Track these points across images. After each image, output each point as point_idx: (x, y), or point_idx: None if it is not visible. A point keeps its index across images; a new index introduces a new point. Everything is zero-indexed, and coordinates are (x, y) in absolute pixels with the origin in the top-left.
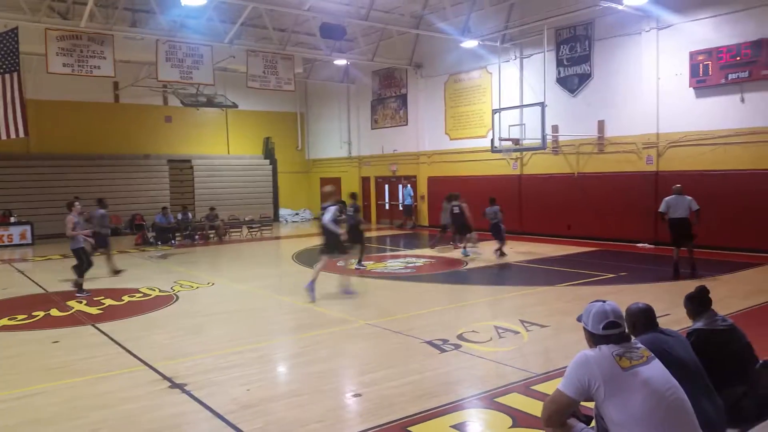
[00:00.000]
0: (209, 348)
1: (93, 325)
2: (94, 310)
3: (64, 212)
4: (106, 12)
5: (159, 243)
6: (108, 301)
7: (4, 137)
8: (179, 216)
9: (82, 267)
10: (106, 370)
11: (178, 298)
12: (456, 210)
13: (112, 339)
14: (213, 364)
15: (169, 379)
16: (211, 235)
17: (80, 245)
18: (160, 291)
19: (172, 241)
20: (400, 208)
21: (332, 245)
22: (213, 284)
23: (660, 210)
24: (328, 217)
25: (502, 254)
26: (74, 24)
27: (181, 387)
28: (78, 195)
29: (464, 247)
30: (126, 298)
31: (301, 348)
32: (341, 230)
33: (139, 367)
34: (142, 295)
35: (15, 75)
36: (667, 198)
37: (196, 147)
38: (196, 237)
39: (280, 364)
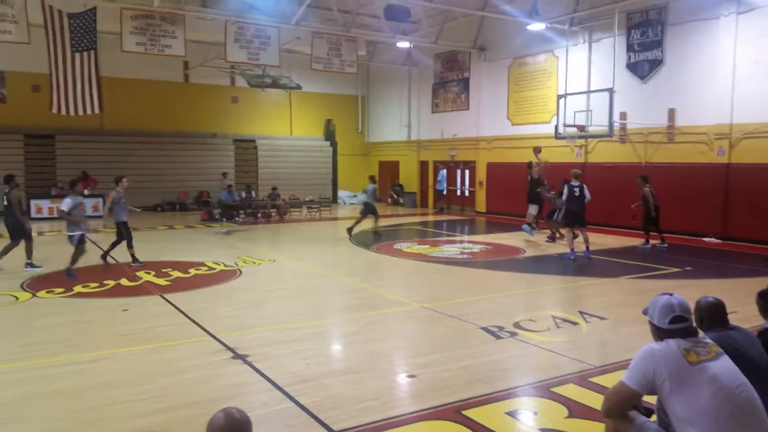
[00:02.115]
0: (270, 322)
1: (161, 296)
2: (162, 281)
3: (134, 187)
4: None
5: (224, 219)
6: (175, 273)
7: (81, 112)
8: (243, 194)
9: (119, 241)
10: (171, 338)
11: (241, 273)
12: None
13: (178, 309)
14: (273, 337)
15: (232, 350)
16: (273, 214)
17: (122, 219)
18: (224, 266)
19: (237, 218)
20: (439, 189)
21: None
22: (274, 261)
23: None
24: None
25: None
26: (148, 3)
27: (243, 358)
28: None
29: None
30: (192, 271)
31: (358, 327)
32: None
33: (203, 338)
34: (207, 268)
35: (93, 53)
36: None
37: (261, 127)
38: (259, 215)
39: (337, 341)
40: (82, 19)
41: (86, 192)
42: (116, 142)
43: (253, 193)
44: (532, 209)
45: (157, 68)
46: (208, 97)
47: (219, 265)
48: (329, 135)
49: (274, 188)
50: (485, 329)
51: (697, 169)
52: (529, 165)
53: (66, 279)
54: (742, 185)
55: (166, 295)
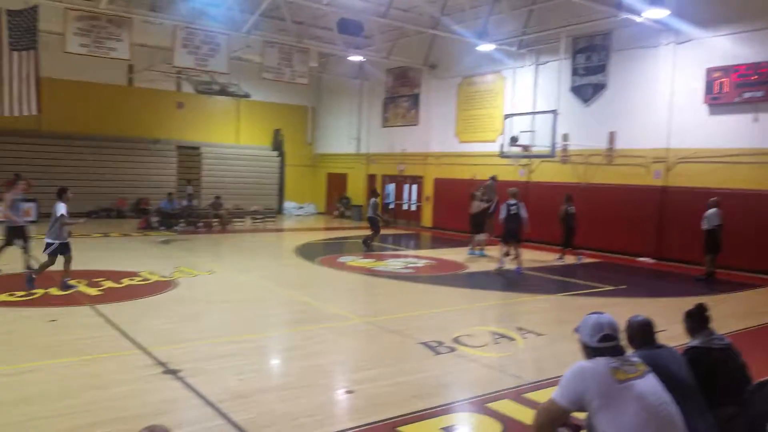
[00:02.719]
0: (205, 336)
1: (91, 306)
2: (93, 291)
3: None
4: None
5: (162, 228)
6: (108, 284)
7: (16, 113)
8: (184, 202)
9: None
10: (100, 351)
11: (178, 284)
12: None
13: (109, 321)
14: (208, 352)
15: (163, 365)
16: (215, 224)
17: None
18: (160, 276)
19: (176, 227)
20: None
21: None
22: (213, 272)
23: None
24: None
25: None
26: (94, 5)
27: (174, 373)
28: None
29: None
30: (126, 281)
31: (297, 341)
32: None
33: (134, 351)
34: (142, 279)
35: (32, 52)
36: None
37: (206, 135)
38: (200, 224)
39: (275, 356)
40: (23, 17)
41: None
42: (54, 145)
43: (195, 202)
44: (481, 236)
45: (101, 71)
46: (152, 102)
47: (154, 275)
48: (277, 145)
49: (218, 197)
50: (425, 344)
51: (635, 190)
52: (473, 196)
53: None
54: (676, 208)
55: (96, 306)
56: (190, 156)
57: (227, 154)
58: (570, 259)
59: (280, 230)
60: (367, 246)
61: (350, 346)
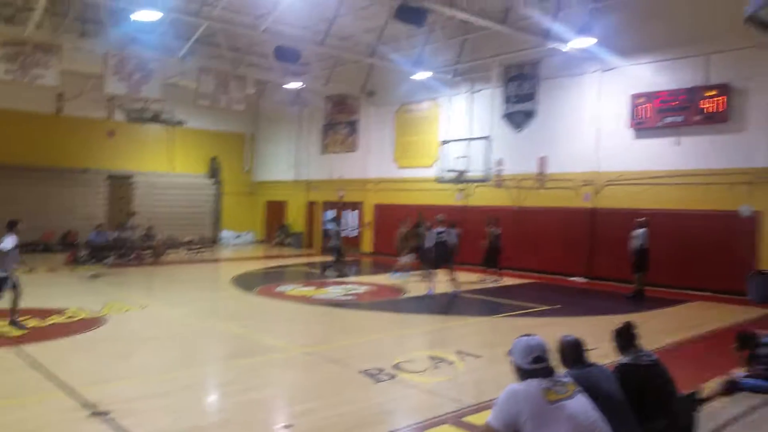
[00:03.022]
0: (137, 374)
1: (14, 347)
2: (17, 331)
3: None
4: (54, 20)
5: (92, 261)
6: (32, 322)
7: None
8: (115, 234)
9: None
10: (24, 394)
11: (107, 320)
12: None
13: (34, 362)
14: (140, 391)
15: (92, 406)
16: (148, 255)
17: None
18: (89, 313)
19: (106, 260)
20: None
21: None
22: (146, 307)
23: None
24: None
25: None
26: (20, 30)
27: (103, 415)
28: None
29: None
30: (52, 319)
31: (234, 376)
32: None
33: (60, 393)
34: (69, 316)
35: None
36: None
37: (139, 163)
38: (132, 257)
39: (210, 392)
40: None
41: None
42: None
43: (130, 233)
44: (405, 258)
45: (28, 98)
46: (82, 131)
47: (83, 312)
48: (214, 173)
49: (150, 227)
50: (365, 372)
51: (566, 213)
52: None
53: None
54: (605, 228)
55: (21, 346)
56: (121, 185)
57: (161, 183)
58: (490, 280)
59: (217, 260)
60: (339, 271)
61: (289, 378)
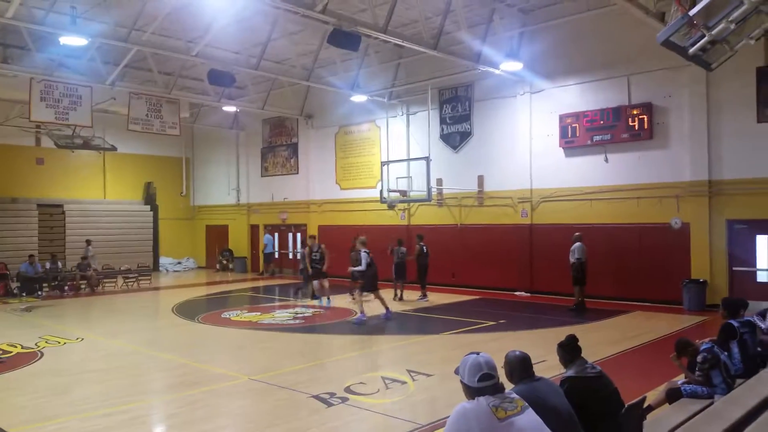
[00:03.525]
0: (76, 410)
1: None
2: None
3: None
4: None
5: (24, 294)
6: None
7: None
8: (47, 265)
9: None
10: None
11: (42, 355)
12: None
13: None
14: (79, 428)
15: None
16: (83, 286)
17: None
18: (22, 348)
19: (39, 293)
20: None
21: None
22: (82, 339)
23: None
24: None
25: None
26: None
27: None
28: None
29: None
30: None
31: (178, 408)
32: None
33: None
34: (1, 352)
35: None
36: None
37: (70, 191)
38: (66, 288)
39: (153, 426)
40: None
41: None
42: None
43: (60, 264)
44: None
45: None
46: (8, 159)
47: (15, 347)
48: (149, 198)
49: (84, 257)
50: (316, 397)
51: (505, 229)
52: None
53: None
54: (543, 243)
55: None
56: (52, 215)
57: (93, 211)
58: (414, 297)
59: (157, 288)
60: (305, 294)
61: (237, 407)
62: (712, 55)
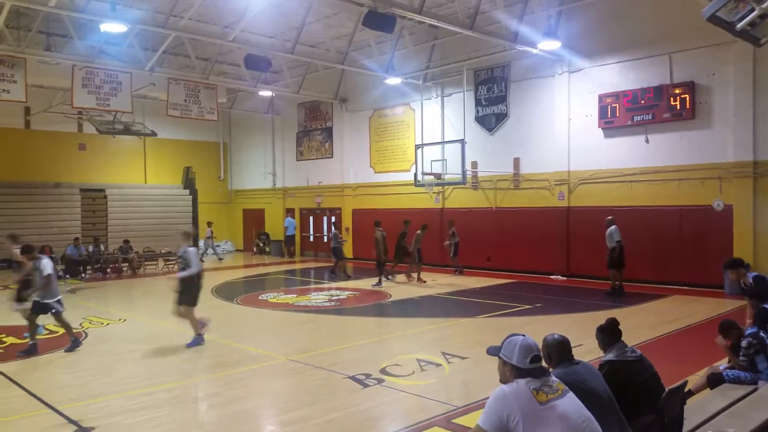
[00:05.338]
0: (119, 389)
1: None
2: None
3: None
4: (18, 34)
5: (68, 276)
6: (9, 339)
7: None
8: (90, 248)
9: None
10: (4, 414)
11: (86, 335)
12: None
13: (11, 380)
14: (123, 406)
15: (75, 423)
16: (125, 269)
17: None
18: None
19: (83, 275)
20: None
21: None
22: (125, 320)
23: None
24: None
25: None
26: None
27: (88, 431)
28: None
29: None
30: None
31: (218, 387)
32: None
33: (42, 411)
34: (47, 332)
35: None
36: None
37: (111, 176)
38: (109, 270)
39: (194, 404)
40: None
41: None
42: None
43: (102, 247)
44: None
45: None
46: (52, 145)
47: (61, 327)
48: (188, 183)
49: (126, 241)
50: (352, 378)
51: (542, 212)
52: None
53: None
54: (580, 226)
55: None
56: (94, 199)
57: (135, 195)
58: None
59: None
60: (336, 275)
61: (275, 387)
62: (762, 30)
